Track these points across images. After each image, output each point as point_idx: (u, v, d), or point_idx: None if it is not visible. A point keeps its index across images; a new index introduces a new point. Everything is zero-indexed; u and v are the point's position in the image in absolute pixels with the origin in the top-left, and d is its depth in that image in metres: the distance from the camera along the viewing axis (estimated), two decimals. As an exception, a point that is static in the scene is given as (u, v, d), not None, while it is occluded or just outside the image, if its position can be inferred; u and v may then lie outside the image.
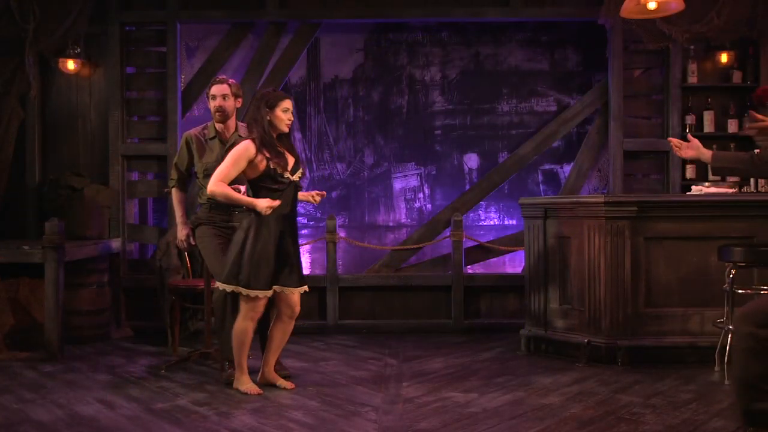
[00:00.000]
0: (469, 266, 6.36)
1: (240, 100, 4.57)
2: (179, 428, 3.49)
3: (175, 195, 4.69)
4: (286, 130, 4.08)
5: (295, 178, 4.09)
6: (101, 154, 6.30)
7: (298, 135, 6.51)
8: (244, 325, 4.05)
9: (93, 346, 5.55)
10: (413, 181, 6.53)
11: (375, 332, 6.08)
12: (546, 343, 5.13)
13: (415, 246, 6.37)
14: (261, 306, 4.05)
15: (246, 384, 4.11)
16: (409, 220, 6.56)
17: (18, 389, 4.26)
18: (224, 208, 4.50)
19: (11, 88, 6.04)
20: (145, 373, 4.66)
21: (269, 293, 4.03)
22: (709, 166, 3.76)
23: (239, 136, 4.53)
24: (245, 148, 3.98)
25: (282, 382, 4.21)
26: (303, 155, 6.46)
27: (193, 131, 4.62)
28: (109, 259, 5.94)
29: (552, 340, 5.05)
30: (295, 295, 4.12)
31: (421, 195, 6.56)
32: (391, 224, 6.56)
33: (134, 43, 6.33)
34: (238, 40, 6.38)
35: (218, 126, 4.53)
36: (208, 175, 4.49)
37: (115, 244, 6.03)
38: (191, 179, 4.76)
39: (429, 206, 6.54)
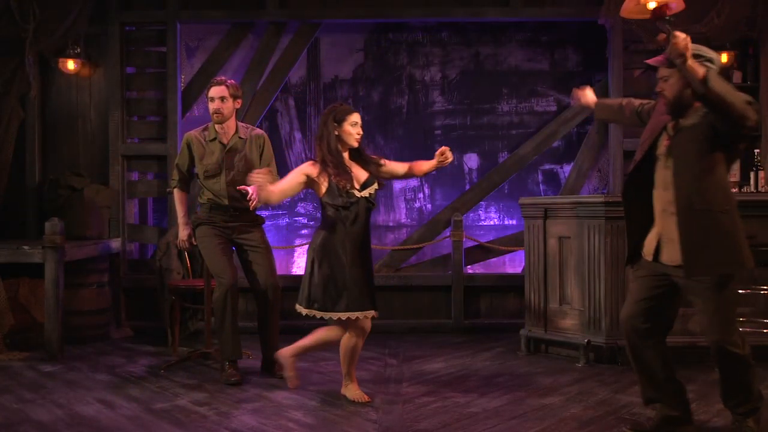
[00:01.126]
0: (469, 266, 6.36)
1: (239, 101, 4.55)
2: (179, 428, 3.50)
3: (176, 195, 4.68)
4: (356, 144, 3.94)
5: (365, 194, 3.86)
6: (101, 154, 6.30)
7: (298, 135, 6.51)
8: (350, 341, 3.89)
9: (93, 346, 5.55)
10: (413, 181, 6.52)
11: (375, 332, 6.03)
12: (546, 343, 5.13)
13: (415, 246, 6.37)
14: (359, 325, 3.86)
15: (354, 391, 3.97)
16: (409, 220, 6.55)
17: (18, 389, 4.26)
18: (224, 208, 4.50)
19: (11, 88, 6.03)
20: (145, 373, 4.66)
21: (351, 314, 3.80)
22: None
23: (239, 137, 4.53)
24: (304, 165, 3.90)
25: (288, 372, 4.07)
26: (303, 155, 6.46)
27: (194, 132, 4.61)
28: (109, 259, 5.94)
29: (552, 340, 5.05)
30: (366, 320, 3.90)
31: (421, 195, 6.55)
32: (391, 224, 6.55)
33: (134, 43, 6.33)
34: (238, 40, 6.38)
35: (218, 128, 4.52)
36: (208, 176, 4.50)
37: (115, 244, 6.03)
38: (193, 179, 4.75)
39: (429, 206, 6.54)
